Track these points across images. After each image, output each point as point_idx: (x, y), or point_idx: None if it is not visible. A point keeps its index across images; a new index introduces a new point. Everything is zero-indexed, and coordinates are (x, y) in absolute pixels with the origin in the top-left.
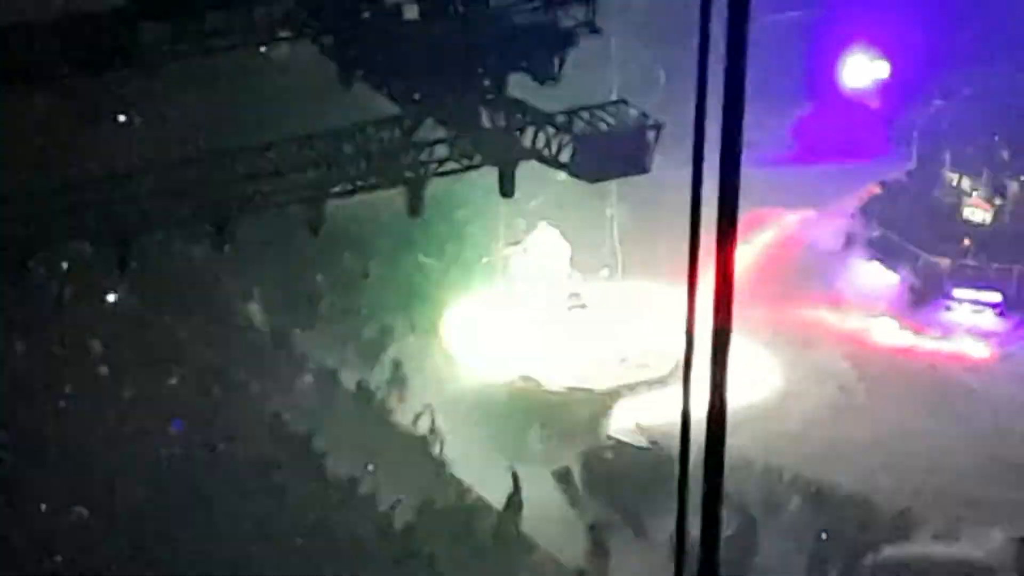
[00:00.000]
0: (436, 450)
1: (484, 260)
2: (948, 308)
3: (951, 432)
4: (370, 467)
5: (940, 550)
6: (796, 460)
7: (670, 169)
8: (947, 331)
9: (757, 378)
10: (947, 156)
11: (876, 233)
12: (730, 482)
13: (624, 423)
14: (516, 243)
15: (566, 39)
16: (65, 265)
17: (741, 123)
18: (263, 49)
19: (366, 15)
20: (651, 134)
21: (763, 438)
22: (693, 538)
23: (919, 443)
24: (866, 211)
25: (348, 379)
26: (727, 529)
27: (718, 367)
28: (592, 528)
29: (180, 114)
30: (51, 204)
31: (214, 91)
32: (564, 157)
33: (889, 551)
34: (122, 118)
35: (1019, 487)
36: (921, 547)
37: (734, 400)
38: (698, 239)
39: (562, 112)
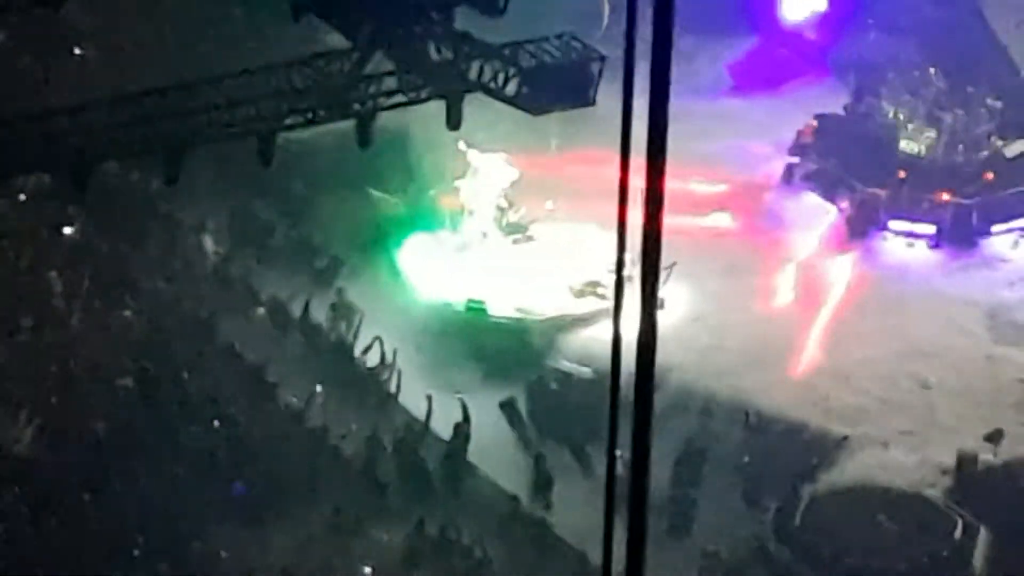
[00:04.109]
0: (386, 380)
1: (432, 192)
2: (884, 240)
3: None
4: (319, 398)
5: (878, 477)
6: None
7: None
8: (881, 262)
9: (681, 305)
10: (883, 88)
11: (814, 166)
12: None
13: (570, 353)
14: (463, 175)
15: None
16: (22, 197)
17: (670, 57)
18: None
19: None
20: (595, 66)
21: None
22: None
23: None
24: (804, 144)
25: (299, 310)
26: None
27: (648, 296)
28: (537, 458)
29: (134, 47)
30: (7, 136)
31: (167, 24)
32: (510, 90)
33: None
34: (77, 51)
35: None
36: (859, 475)
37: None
38: (627, 173)
39: (508, 45)
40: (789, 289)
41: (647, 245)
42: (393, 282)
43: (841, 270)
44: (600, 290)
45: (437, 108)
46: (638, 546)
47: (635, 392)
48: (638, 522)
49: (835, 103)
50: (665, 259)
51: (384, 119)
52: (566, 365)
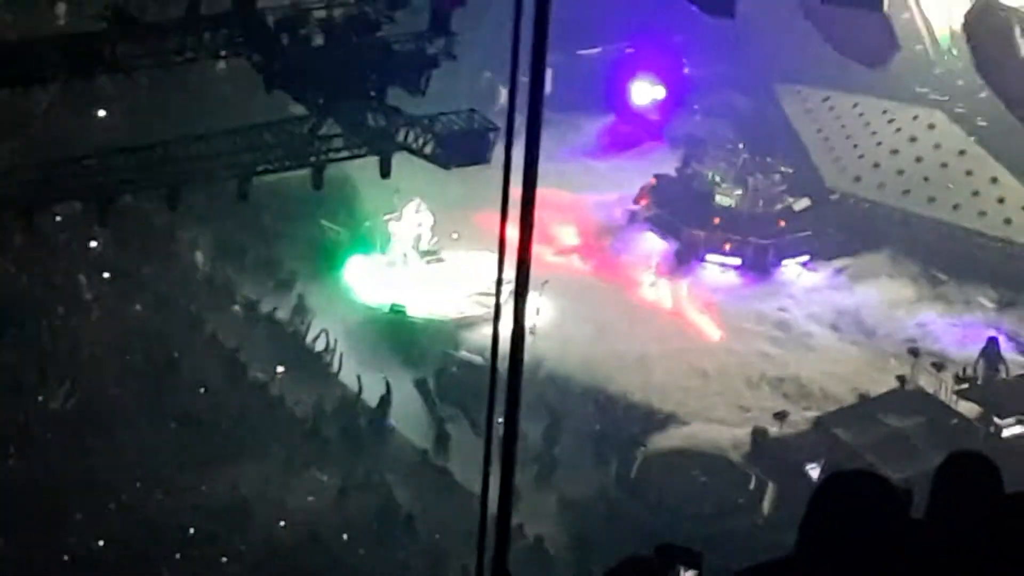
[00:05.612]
0: (329, 362)
1: (368, 224)
2: (702, 268)
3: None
4: (279, 375)
5: (697, 442)
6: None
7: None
8: (699, 285)
9: (548, 313)
10: (705, 156)
11: (652, 212)
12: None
13: (467, 346)
14: (393, 213)
15: (430, 62)
16: (59, 218)
17: (539, 129)
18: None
19: (285, 41)
20: (492, 134)
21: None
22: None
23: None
24: (645, 196)
25: (266, 309)
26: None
27: (519, 306)
28: (440, 423)
29: (146, 110)
30: (49, 174)
31: (172, 92)
32: (428, 150)
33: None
34: (102, 113)
35: None
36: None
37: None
38: (506, 216)
39: (427, 116)
40: (628, 304)
41: (520, 267)
42: (337, 290)
43: (668, 291)
44: (489, 299)
45: (373, 161)
46: (508, 491)
47: (508, 376)
48: (508, 473)
49: (668, 167)
50: (536, 278)
51: (333, 169)
52: (464, 355)
